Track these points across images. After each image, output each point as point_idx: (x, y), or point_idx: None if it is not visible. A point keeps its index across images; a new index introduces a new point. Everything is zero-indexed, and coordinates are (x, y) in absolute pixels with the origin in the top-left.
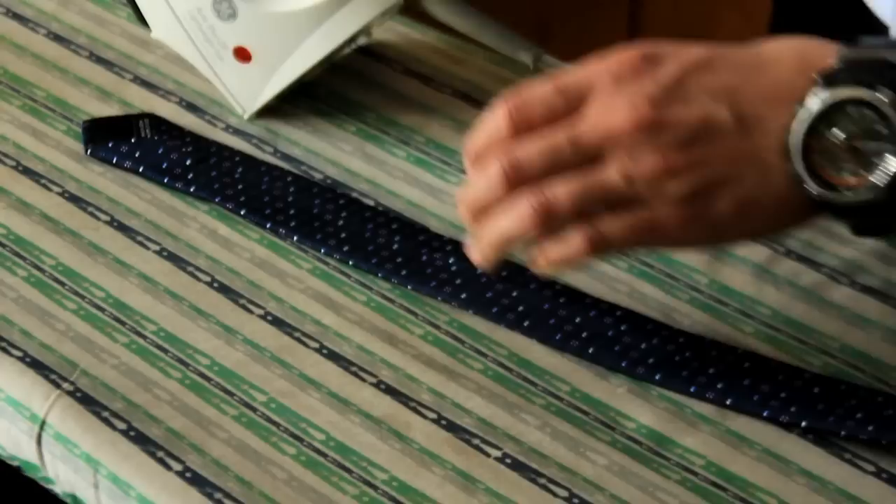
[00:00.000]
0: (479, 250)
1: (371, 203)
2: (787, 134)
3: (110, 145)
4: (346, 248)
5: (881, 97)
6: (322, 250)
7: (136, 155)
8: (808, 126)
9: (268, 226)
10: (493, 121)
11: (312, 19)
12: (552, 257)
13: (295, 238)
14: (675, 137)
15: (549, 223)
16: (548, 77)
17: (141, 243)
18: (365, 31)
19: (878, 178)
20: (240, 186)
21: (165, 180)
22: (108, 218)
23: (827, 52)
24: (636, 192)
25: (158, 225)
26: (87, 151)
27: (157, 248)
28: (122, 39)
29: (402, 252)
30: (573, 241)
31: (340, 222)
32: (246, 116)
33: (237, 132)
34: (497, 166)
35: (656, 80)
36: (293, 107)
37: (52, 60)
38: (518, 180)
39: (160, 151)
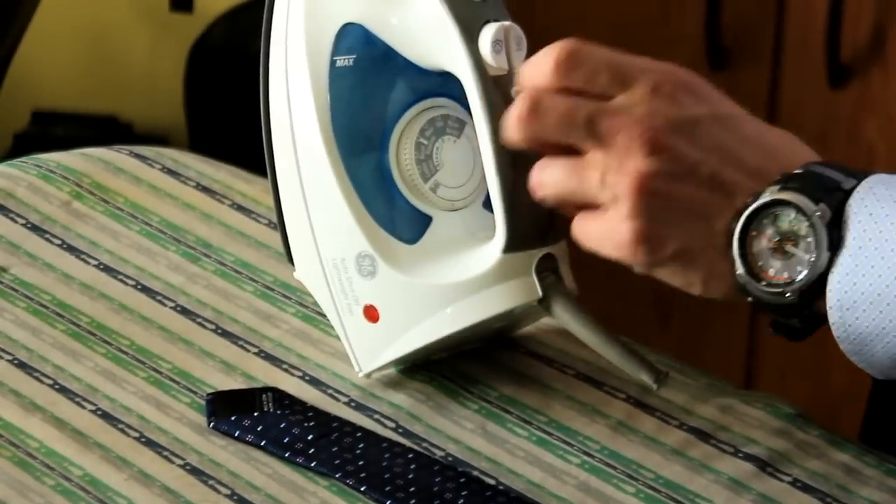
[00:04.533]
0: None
1: (492, 482)
2: (739, 214)
3: (233, 419)
4: None
5: (816, 211)
6: None
7: (259, 429)
8: (747, 215)
9: (387, 503)
10: (546, 58)
11: (446, 297)
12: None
13: None
14: (662, 163)
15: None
16: (608, 50)
17: None
18: (504, 327)
19: (793, 284)
20: (360, 462)
21: (287, 455)
22: (228, 491)
23: (805, 158)
24: (602, 192)
25: (278, 499)
26: (209, 424)
27: None
28: (247, 314)
29: None
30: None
31: (461, 501)
32: (361, 374)
33: (359, 407)
34: (525, 101)
35: (683, 110)
36: (416, 382)
37: (178, 333)
38: (533, 121)
39: (282, 426)
